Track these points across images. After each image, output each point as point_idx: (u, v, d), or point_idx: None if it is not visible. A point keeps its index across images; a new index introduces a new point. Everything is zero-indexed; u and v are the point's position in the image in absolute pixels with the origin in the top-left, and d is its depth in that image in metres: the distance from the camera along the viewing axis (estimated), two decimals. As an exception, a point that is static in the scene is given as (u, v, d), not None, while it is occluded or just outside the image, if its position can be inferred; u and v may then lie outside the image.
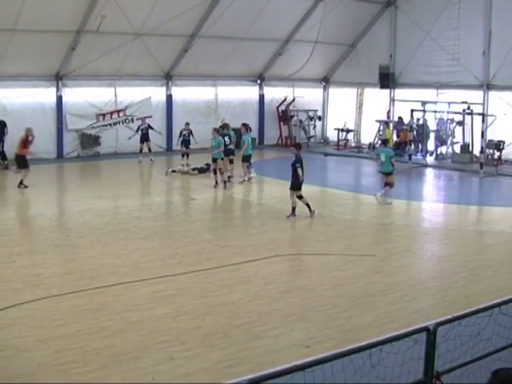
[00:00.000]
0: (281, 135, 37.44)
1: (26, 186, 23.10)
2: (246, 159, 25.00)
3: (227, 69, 34.79)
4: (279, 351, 9.31)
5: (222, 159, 24.43)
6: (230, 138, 25.63)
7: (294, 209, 18.60)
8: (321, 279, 12.91)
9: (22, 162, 23.52)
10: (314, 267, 13.81)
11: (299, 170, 18.46)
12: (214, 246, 15.61)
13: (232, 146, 25.61)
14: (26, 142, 23.58)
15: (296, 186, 18.67)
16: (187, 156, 27.85)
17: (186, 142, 28.16)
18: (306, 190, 22.65)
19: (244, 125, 26.20)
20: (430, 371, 6.34)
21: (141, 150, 29.06)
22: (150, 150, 29.37)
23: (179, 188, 24.55)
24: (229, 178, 24.68)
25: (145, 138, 29.47)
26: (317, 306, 11.30)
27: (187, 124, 28.64)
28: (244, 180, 24.84)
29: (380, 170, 21.83)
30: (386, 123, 30.39)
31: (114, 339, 9.63)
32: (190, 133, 28.45)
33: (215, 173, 23.58)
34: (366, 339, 8.63)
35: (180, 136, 28.59)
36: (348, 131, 37.03)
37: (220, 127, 26.35)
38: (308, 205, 18.74)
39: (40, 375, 8.37)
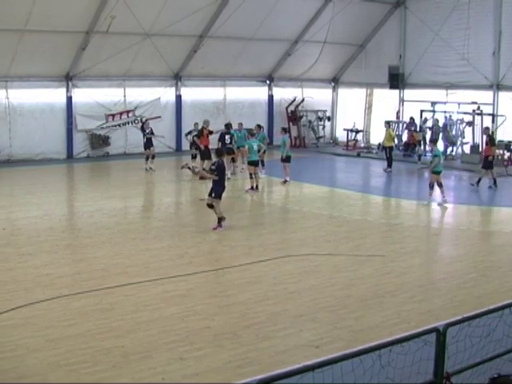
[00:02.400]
0: (290, 136, 37.16)
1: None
2: (287, 160, 24.91)
3: (236, 69, 34.80)
4: (289, 351, 9.28)
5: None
6: (231, 138, 25.88)
7: (220, 219, 17.28)
8: (330, 280, 12.88)
9: (207, 153, 25.32)
10: (323, 267, 13.77)
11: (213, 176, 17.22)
12: (223, 246, 15.59)
13: (234, 145, 26.02)
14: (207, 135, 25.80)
15: (219, 194, 17.44)
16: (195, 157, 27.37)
17: (194, 143, 27.43)
18: (315, 190, 23.38)
19: (284, 129, 26.34)
20: (439, 372, 6.31)
21: (147, 158, 27.69)
22: (153, 156, 27.69)
23: (188, 188, 24.56)
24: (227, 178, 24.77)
25: (150, 144, 27.97)
26: (326, 306, 11.26)
27: (196, 124, 28.39)
28: (286, 180, 24.83)
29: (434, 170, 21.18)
30: (388, 124, 30.26)
31: (123, 339, 9.61)
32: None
33: (251, 177, 23.33)
34: (376, 340, 8.70)
35: (188, 135, 28.31)
36: (357, 131, 36.96)
37: (225, 125, 26.66)
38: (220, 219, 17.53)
39: (50, 375, 8.36)
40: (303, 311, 10.98)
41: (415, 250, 15.57)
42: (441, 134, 31.81)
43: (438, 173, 20.82)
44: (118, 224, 18.00)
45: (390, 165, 28.53)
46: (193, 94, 34.53)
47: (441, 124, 31.99)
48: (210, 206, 17.28)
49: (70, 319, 10.38)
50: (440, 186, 20.99)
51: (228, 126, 26.47)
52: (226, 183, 24.32)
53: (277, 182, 25.58)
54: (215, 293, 11.96)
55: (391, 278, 12.98)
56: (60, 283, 12.23)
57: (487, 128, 26.96)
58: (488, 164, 24.43)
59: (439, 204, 20.95)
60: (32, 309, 10.81)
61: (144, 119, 30.55)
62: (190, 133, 28.31)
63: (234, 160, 26.19)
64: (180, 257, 14.60)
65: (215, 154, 17.75)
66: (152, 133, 28.36)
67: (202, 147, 25.87)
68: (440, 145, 31.61)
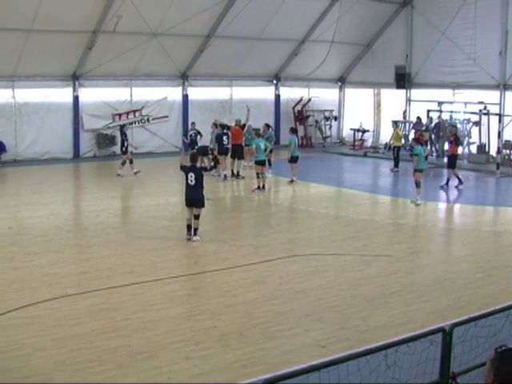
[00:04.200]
0: (297, 135, 37.18)
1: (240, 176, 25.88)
2: (294, 160, 24.92)
3: (243, 69, 34.80)
4: (295, 351, 9.28)
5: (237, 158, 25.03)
6: (228, 138, 25.98)
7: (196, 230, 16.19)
8: (336, 279, 12.90)
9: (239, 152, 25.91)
10: (329, 267, 13.78)
11: None
12: (229, 245, 15.60)
13: (229, 146, 25.92)
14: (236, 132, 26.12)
15: (203, 202, 16.35)
16: None
17: (193, 144, 27.70)
18: (322, 190, 23.51)
19: (292, 129, 26.38)
20: (445, 372, 6.30)
21: (124, 162, 26.43)
22: (131, 161, 26.35)
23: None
24: (225, 176, 25.37)
25: (127, 149, 26.76)
26: (332, 306, 11.27)
27: (193, 124, 28.38)
28: (293, 180, 24.87)
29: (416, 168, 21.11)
30: (396, 123, 30.22)
31: (129, 339, 9.63)
32: (198, 133, 28.23)
33: (258, 177, 23.37)
34: (382, 340, 8.69)
35: (185, 136, 28.19)
36: (364, 131, 36.92)
37: (220, 125, 26.69)
38: None
39: (56, 374, 8.36)
40: (309, 311, 10.98)
41: (422, 249, 15.57)
42: (432, 135, 31.86)
43: (421, 171, 20.74)
44: (124, 223, 18.08)
45: (396, 165, 28.49)
46: (199, 93, 34.54)
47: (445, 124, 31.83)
48: (196, 217, 15.90)
49: (75, 318, 10.39)
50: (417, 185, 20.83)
51: (224, 126, 26.44)
52: (227, 183, 24.93)
53: (283, 181, 25.60)
54: (221, 292, 11.95)
55: (398, 278, 12.98)
56: (66, 282, 12.26)
57: (454, 127, 27.28)
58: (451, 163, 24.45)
59: (412, 201, 20.97)
60: (38, 308, 10.82)
61: (123, 123, 29.61)
62: (186, 133, 28.27)
63: (242, 157, 26.24)
64: (186, 256, 14.63)
65: (189, 157, 16.43)
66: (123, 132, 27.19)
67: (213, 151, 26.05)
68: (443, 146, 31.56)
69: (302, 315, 10.79)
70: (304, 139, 37.25)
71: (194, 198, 15.73)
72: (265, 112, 36.41)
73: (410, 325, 10.19)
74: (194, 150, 26.23)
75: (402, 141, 31.29)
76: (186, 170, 15.87)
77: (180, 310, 10.99)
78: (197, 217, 15.75)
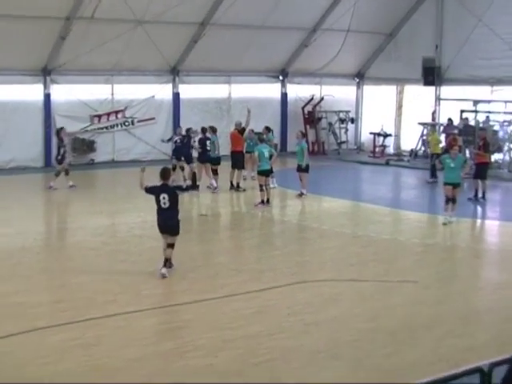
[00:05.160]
0: (307, 141, 36.94)
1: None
2: (304, 169, 24.96)
3: (244, 63, 34.95)
4: (304, 394, 9.32)
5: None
6: (212, 144, 25.98)
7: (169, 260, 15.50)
8: (354, 310, 12.86)
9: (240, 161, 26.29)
10: (345, 295, 13.77)
11: None
12: (228, 270, 15.60)
13: (215, 153, 25.93)
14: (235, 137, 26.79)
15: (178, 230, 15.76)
16: (182, 169, 26.90)
17: (177, 152, 27.04)
18: (337, 204, 23.60)
19: (301, 133, 26.41)
20: (483, 419, 6.31)
21: (58, 173, 26.21)
22: (67, 172, 26.08)
23: (187, 202, 24.38)
24: (213, 187, 25.22)
25: (64, 157, 26.49)
26: (349, 341, 11.23)
27: (179, 128, 28.13)
28: (302, 193, 24.84)
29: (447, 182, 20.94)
30: (434, 126, 30.07)
31: (110, 380, 9.49)
32: (184, 139, 27.04)
33: (262, 189, 23.28)
34: (409, 381, 8.66)
35: (170, 142, 27.88)
36: (385, 136, 37.01)
37: (202, 129, 26.63)
38: None
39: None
40: (322, 347, 10.94)
41: (454, 275, 15.58)
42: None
43: (450, 184, 20.58)
44: (105, 244, 17.97)
45: (433, 175, 28.05)
46: (193, 91, 34.71)
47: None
48: (170, 245, 15.26)
49: (45, 356, 10.28)
50: (452, 200, 20.68)
51: (204, 129, 26.45)
52: (220, 195, 25.04)
53: (291, 194, 25.58)
54: (219, 325, 11.88)
55: (425, 308, 12.90)
56: (35, 314, 12.10)
57: (483, 130, 27.31)
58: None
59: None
60: (0, 344, 10.70)
61: (60, 127, 28.61)
62: (170, 139, 27.91)
63: (216, 172, 26.00)
64: (178, 282, 14.58)
65: (160, 175, 15.27)
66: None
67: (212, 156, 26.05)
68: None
69: (313, 351, 10.73)
70: (315, 145, 37.26)
71: (168, 223, 15.09)
72: (269, 113, 36.55)
73: (441, 364, 10.11)
74: (182, 161, 26.58)
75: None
76: (155, 191, 15.12)
77: (170, 345, 10.92)
78: (171, 245, 15.10)
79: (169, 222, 15.09)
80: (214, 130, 26.66)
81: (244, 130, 27.01)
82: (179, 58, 33.84)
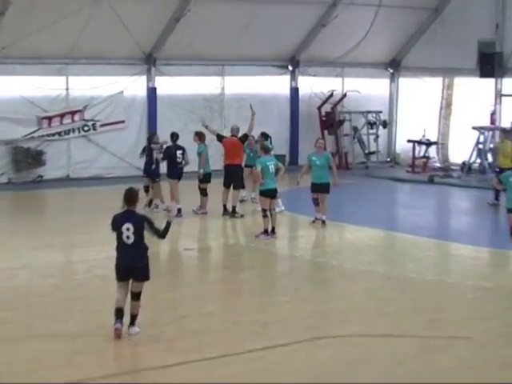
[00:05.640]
0: (325, 148, 37.01)
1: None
2: (321, 189, 24.89)
3: (241, 48, 35.31)
4: None
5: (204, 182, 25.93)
6: (183, 154, 26.24)
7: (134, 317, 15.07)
8: (389, 375, 12.70)
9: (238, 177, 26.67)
10: (378, 356, 13.56)
11: None
12: (221, 322, 15.55)
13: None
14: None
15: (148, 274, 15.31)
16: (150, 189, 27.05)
17: (148, 169, 27.13)
18: (364, 235, 23.82)
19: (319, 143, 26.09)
20: None
21: None
22: None
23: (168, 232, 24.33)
24: (179, 210, 24.49)
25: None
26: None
27: (154, 135, 28.11)
28: (321, 220, 24.76)
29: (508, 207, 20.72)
30: (505, 132, 30.17)
31: None
32: (161, 151, 27.04)
33: (265, 215, 23.19)
34: None
35: (143, 154, 27.58)
36: (429, 144, 37.09)
37: (172, 136, 26.66)
38: None
39: None
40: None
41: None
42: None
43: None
44: (57, 288, 17.80)
45: (498, 196, 27.74)
46: (174, 86, 35.07)
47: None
48: (135, 295, 14.72)
49: None
50: None
51: (174, 136, 26.60)
52: (205, 225, 25.33)
53: (304, 221, 25.65)
54: (207, 397, 11.73)
55: (484, 374, 12.72)
56: None
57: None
58: None
59: None
60: None
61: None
62: (144, 151, 27.57)
63: (205, 192, 26.36)
64: (154, 339, 14.27)
65: (124, 199, 14.80)
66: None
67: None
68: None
69: None
70: (336, 156, 36.81)
71: (132, 264, 14.60)
72: (275, 115, 36.98)
73: None
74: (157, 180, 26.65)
75: (490, 157, 31.28)
76: (117, 221, 14.75)
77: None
78: (136, 296, 14.68)
79: (133, 263, 14.60)
80: (201, 136, 26.80)
81: (246, 137, 26.98)
82: (156, 42, 33.95)
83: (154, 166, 26.52)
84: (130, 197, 14.67)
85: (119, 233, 14.55)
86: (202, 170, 26.29)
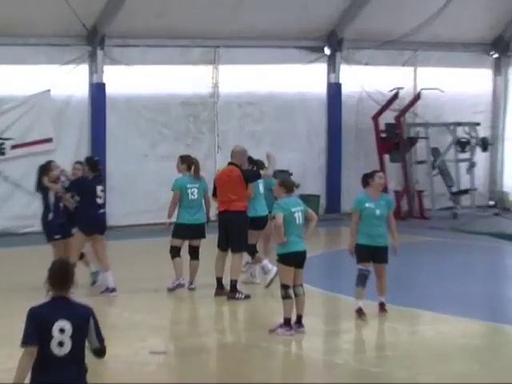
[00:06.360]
0: (386, 188, 35.57)
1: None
2: (382, 256, 23.79)
3: (244, 21, 36.20)
4: None
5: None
6: (104, 192, 26.47)
7: None
8: None
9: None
10: None
11: None
12: None
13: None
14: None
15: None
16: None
17: (45, 223, 26.15)
18: (450, 329, 23.50)
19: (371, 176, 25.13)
20: None
21: None
22: None
23: (121, 328, 23.24)
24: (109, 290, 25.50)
25: None
26: None
27: (78, 163, 27.21)
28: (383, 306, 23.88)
29: None
30: None
31: None
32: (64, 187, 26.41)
33: (287, 295, 22.16)
34: None
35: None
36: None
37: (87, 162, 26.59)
38: None
39: None
40: None
41: None
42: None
43: None
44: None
45: None
46: (134, 81, 35.51)
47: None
48: None
49: None
50: None
51: (93, 162, 26.39)
52: (186, 311, 26.59)
53: (347, 305, 24.53)
54: None
55: None
56: None
57: None
58: None
59: None
60: None
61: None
62: (39, 184, 26.67)
63: (195, 253, 26.38)
64: None
65: (51, 277, 13.40)
66: None
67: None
68: None
69: None
70: (403, 197, 37.90)
71: None
72: (301, 128, 37.87)
73: None
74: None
75: None
76: (40, 320, 13.33)
77: None
78: None
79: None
80: (190, 164, 26.67)
81: (258, 176, 26.75)
82: (104, 10, 34.15)
83: (51, 216, 25.76)
84: (63, 274, 13.18)
85: (47, 338, 13.16)
86: (168, 220, 26.51)
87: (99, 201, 25.52)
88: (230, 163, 26.48)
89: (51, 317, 12.94)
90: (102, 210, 25.82)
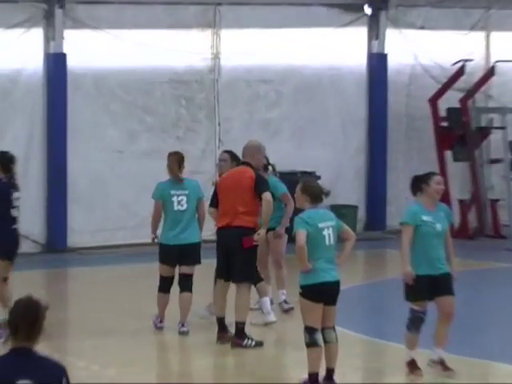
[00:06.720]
0: (448, 196, 34.42)
1: None
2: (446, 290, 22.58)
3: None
4: None
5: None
6: (18, 200, 25.52)
7: None
8: None
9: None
10: None
11: None
12: None
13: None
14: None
15: None
16: None
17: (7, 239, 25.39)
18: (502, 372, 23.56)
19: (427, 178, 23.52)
20: None
21: None
22: None
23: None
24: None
25: None
26: None
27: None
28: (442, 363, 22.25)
29: None
30: None
31: None
32: None
33: (313, 342, 20.46)
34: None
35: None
36: None
37: None
38: None
39: None
40: None
41: None
42: None
43: None
44: None
45: None
46: (105, 50, 35.37)
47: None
48: None
49: None
50: None
51: (9, 160, 25.08)
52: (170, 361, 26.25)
53: (396, 354, 22.89)
54: None
55: None
56: None
57: None
58: None
59: None
60: None
61: None
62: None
63: (187, 282, 25.42)
64: None
65: (11, 325, 12.12)
66: None
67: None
68: None
69: None
70: (473, 208, 38.25)
71: None
72: (332, 113, 37.71)
73: None
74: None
75: None
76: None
77: None
78: None
79: None
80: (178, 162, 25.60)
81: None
82: None
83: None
84: (30, 318, 11.65)
85: None
86: (153, 235, 25.48)
87: (14, 213, 24.16)
88: (239, 163, 25.21)
89: (10, 375, 11.50)
90: (15, 226, 24.37)
